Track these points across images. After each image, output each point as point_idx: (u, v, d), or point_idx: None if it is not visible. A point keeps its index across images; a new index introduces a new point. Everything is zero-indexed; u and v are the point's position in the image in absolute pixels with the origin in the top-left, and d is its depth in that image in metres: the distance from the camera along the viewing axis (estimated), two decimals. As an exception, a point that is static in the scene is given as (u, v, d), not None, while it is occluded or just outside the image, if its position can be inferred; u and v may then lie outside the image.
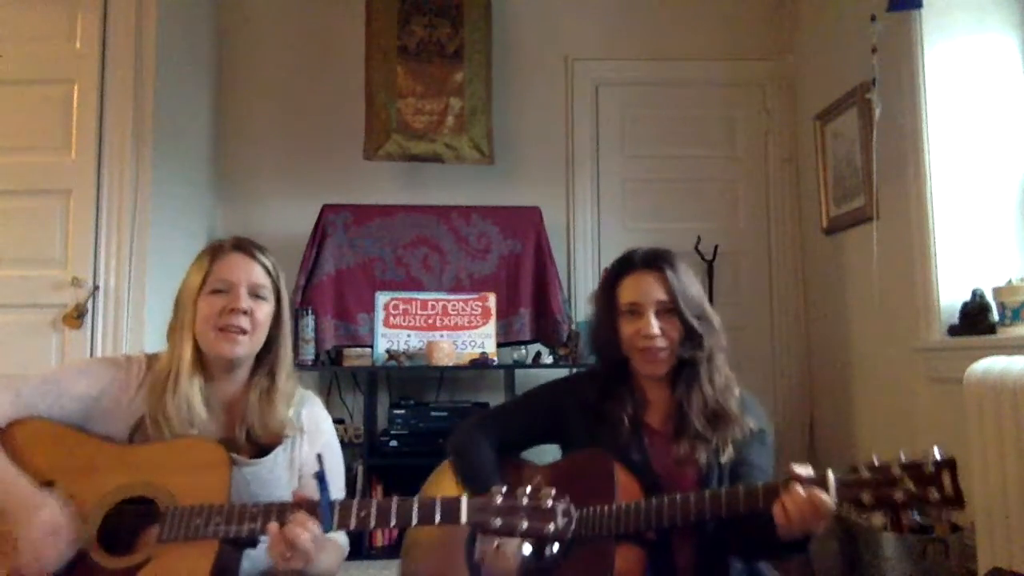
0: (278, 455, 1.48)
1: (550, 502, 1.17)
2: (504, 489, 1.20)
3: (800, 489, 1.24)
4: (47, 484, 1.36)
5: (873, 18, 2.70)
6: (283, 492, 1.47)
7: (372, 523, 1.28)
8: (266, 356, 1.52)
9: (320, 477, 1.29)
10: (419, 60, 3.41)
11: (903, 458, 1.22)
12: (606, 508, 1.40)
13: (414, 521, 1.26)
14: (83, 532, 1.33)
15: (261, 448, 1.49)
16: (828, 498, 1.23)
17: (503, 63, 3.65)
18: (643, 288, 1.55)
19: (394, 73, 3.39)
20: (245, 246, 1.53)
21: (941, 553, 2.25)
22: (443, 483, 1.66)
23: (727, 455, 1.49)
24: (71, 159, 2.88)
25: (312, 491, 1.34)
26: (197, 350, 1.47)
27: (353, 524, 1.28)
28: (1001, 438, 1.96)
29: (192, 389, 1.43)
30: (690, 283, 1.57)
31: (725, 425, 1.51)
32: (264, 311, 1.49)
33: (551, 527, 1.16)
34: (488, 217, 3.39)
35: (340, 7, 3.64)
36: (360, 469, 3.07)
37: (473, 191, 3.57)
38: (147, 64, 2.94)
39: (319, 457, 1.31)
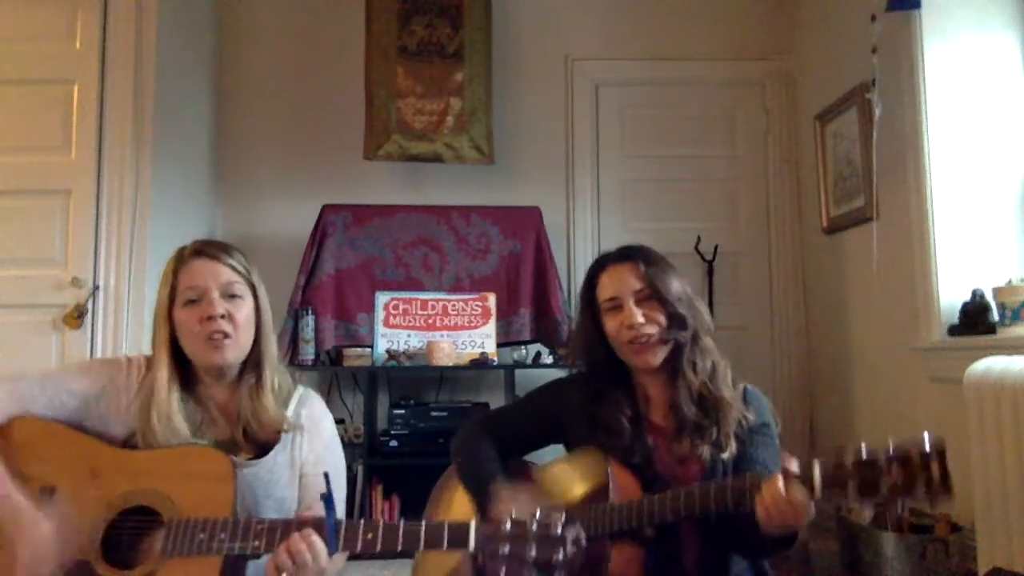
0: (278, 454, 1.47)
1: (559, 529, 1.14)
2: (514, 515, 1.17)
3: (780, 485, 1.23)
4: (47, 490, 1.35)
5: (873, 18, 2.70)
6: (284, 491, 1.46)
7: (378, 546, 1.25)
8: (252, 352, 1.49)
9: (326, 498, 1.27)
10: (419, 60, 3.41)
11: (891, 447, 1.18)
12: (596, 508, 1.40)
13: (421, 546, 1.24)
14: (78, 549, 1.30)
15: (262, 445, 1.47)
16: (805, 497, 1.21)
17: (503, 63, 3.65)
18: (619, 280, 1.55)
19: (394, 73, 3.39)
20: (206, 250, 1.48)
21: (941, 553, 2.25)
22: (453, 486, 1.67)
23: (729, 451, 1.47)
24: (71, 159, 2.88)
25: (314, 492, 1.32)
26: (177, 363, 1.45)
27: (359, 546, 1.26)
28: (1001, 438, 1.96)
29: (170, 406, 1.41)
30: (665, 271, 1.56)
31: (718, 411, 1.49)
32: (243, 310, 1.46)
33: (560, 555, 1.14)
34: (488, 217, 3.39)
35: (340, 7, 3.64)
36: (360, 469, 3.07)
37: (473, 191, 3.56)
38: (147, 64, 2.94)
39: (326, 476, 1.29)
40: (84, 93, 2.89)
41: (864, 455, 1.20)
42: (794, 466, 1.24)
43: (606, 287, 1.56)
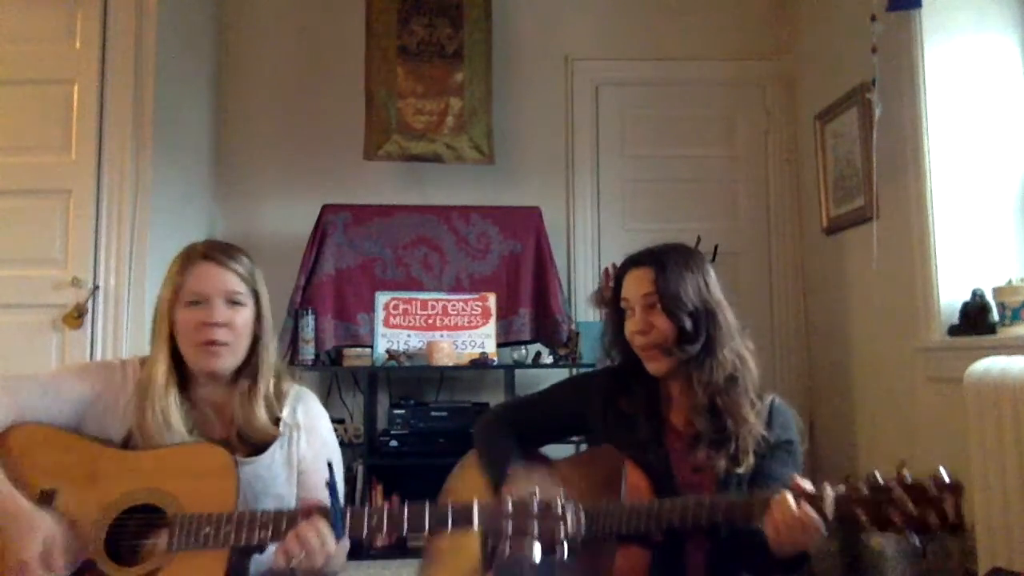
0: (275, 452, 1.48)
1: (560, 505, 1.18)
2: (514, 494, 1.20)
3: (792, 502, 1.23)
4: (48, 493, 1.35)
5: (873, 18, 2.70)
6: (282, 489, 1.47)
7: (384, 530, 1.28)
8: (248, 358, 1.49)
9: (331, 485, 1.28)
10: (419, 60, 3.42)
11: (907, 477, 1.18)
12: (604, 507, 1.39)
13: (426, 527, 1.26)
14: (81, 549, 1.31)
15: (256, 446, 1.48)
16: (816, 516, 1.21)
17: (503, 63, 3.65)
18: (632, 284, 1.54)
19: (394, 73, 3.40)
20: (215, 255, 1.47)
21: (941, 553, 2.25)
22: (467, 474, 1.67)
23: (746, 465, 1.44)
24: (71, 159, 2.88)
25: (312, 489, 1.33)
26: (175, 361, 1.45)
27: (365, 531, 1.27)
28: (1001, 438, 1.96)
29: (168, 403, 1.41)
30: (683, 277, 1.50)
31: (732, 423, 1.45)
32: (243, 317, 1.46)
33: (561, 532, 1.17)
34: (488, 217, 3.39)
35: (340, 7, 3.64)
36: (360, 469, 3.07)
37: (473, 191, 3.57)
38: (147, 64, 2.94)
39: (329, 465, 1.30)
40: (84, 93, 2.89)
41: (878, 482, 1.20)
42: (807, 485, 1.25)
43: (624, 288, 1.57)
